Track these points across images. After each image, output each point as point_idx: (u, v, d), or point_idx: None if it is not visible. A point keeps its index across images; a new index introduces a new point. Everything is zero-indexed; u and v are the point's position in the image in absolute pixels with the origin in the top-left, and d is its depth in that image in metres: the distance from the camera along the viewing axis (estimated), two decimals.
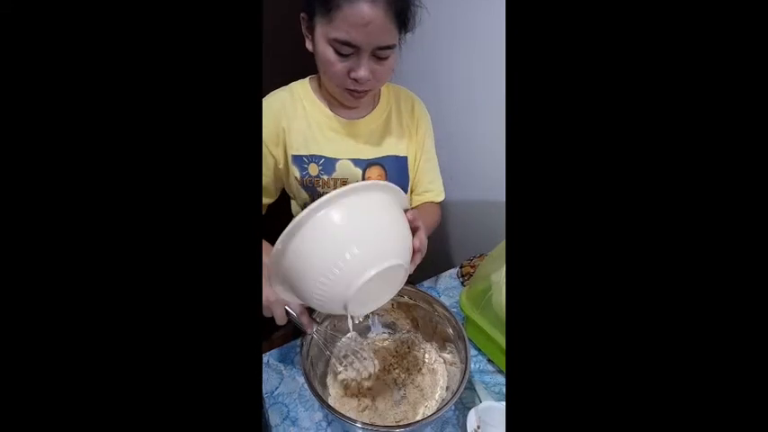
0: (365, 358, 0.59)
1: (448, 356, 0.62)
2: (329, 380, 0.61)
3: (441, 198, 0.78)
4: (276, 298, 0.51)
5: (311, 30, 0.55)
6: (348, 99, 0.59)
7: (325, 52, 0.53)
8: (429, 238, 0.55)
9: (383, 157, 0.68)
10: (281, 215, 0.78)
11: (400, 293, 0.66)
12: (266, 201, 0.71)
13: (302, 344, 0.56)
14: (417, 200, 0.76)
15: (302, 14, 0.55)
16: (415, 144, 0.72)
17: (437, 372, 0.62)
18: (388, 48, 0.53)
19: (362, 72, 0.53)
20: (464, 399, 0.61)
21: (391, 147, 0.69)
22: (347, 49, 0.51)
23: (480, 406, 0.54)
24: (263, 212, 0.72)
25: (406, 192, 0.73)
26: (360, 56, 0.52)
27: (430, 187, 0.76)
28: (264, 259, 0.50)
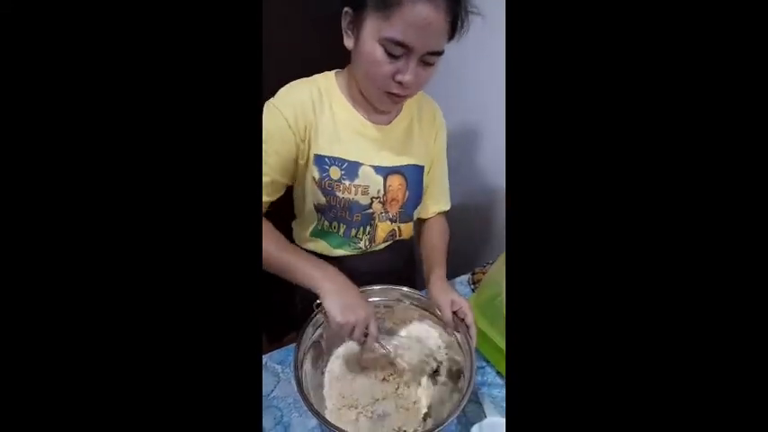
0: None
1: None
2: (326, 392, 0.57)
3: (448, 207, 0.77)
4: (366, 315, 0.51)
5: (357, 25, 0.51)
6: (385, 103, 0.56)
7: (373, 51, 0.50)
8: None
9: (404, 165, 0.65)
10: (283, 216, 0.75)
11: (401, 299, 0.63)
12: (267, 198, 0.68)
13: (297, 351, 0.53)
14: (430, 211, 0.75)
15: (346, 9, 0.52)
16: (432, 153, 0.70)
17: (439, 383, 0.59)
18: (438, 54, 0.51)
19: (409, 76, 0.51)
20: (468, 413, 0.57)
21: (412, 155, 0.66)
22: (399, 50, 0.49)
23: (485, 422, 0.51)
24: (264, 211, 0.69)
25: (419, 202, 0.71)
26: (409, 59, 0.50)
27: (440, 198, 0.75)
28: (310, 272, 0.53)
